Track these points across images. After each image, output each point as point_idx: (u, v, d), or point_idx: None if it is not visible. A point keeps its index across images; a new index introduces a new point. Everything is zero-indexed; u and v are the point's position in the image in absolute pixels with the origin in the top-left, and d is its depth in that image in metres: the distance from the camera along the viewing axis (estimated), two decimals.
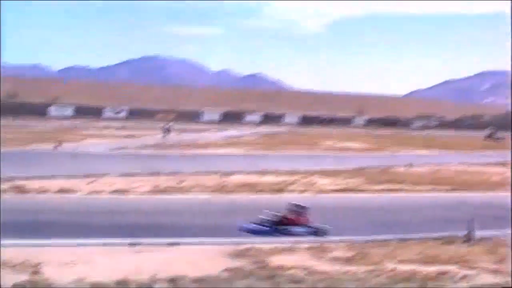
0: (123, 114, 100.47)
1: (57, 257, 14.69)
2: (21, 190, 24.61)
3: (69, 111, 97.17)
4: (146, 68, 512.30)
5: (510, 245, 17.47)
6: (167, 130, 59.28)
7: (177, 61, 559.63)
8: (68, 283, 12.59)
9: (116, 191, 25.40)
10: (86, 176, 28.84)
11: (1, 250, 14.95)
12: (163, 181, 28.38)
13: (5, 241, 15.91)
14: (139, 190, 25.97)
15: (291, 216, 19.27)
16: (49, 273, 13.22)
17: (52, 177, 28.22)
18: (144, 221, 19.84)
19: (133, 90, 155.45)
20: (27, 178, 27.10)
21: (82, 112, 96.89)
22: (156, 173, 30.63)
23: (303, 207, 19.50)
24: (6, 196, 23.56)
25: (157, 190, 26.14)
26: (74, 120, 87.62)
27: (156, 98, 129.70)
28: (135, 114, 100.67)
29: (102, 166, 32.82)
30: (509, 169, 36.36)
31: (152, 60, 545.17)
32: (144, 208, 22.60)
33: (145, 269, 13.83)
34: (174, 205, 23.32)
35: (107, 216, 20.44)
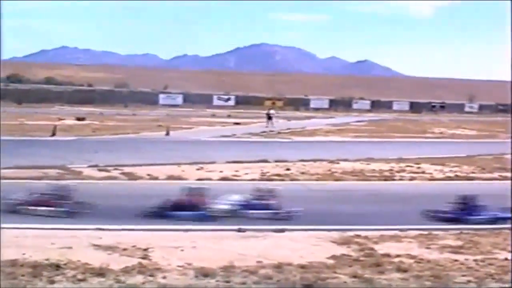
0: (231, 102, 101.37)
1: (165, 242, 14.90)
2: (131, 176, 25.12)
3: (178, 99, 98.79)
4: (254, 55, 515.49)
5: None
6: (271, 117, 59.42)
7: (284, 49, 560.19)
8: (175, 267, 12.75)
9: (224, 178, 25.58)
10: (195, 163, 29.22)
11: (110, 234, 15.36)
12: (271, 168, 28.41)
13: (116, 226, 16.33)
14: (247, 177, 26.06)
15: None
16: (156, 257, 13.42)
17: (162, 164, 28.75)
18: None
19: (241, 78, 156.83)
20: (137, 165, 27.73)
21: (191, 100, 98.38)
22: (264, 160, 30.66)
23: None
24: (117, 182, 24.17)
25: (264, 178, 26.15)
26: (183, 108, 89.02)
27: (264, 86, 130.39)
28: (242, 101, 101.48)
29: (210, 153, 33.18)
30: None
31: (259, 48, 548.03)
32: None
33: (251, 255, 13.87)
34: (281, 192, 23.24)
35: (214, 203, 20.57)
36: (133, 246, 14.24)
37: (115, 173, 25.89)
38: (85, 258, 13.05)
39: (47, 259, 12.75)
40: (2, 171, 25.10)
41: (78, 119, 58.42)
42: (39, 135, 42.02)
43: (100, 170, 26.49)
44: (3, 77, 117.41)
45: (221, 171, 27.00)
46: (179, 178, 25.38)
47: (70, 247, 13.91)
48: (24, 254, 13.12)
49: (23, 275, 11.87)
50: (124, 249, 14.04)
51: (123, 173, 25.73)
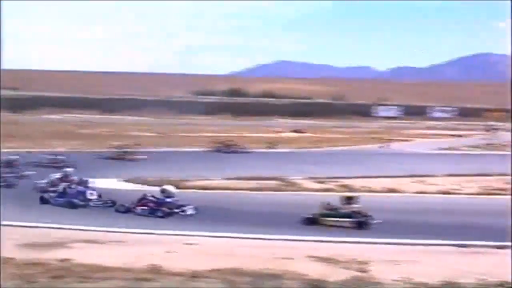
0: (450, 114, 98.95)
1: (383, 255, 14.67)
2: (347, 189, 25.11)
3: (395, 111, 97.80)
4: (476, 66, 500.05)
5: None
6: (494, 130, 57.24)
7: (509, 58, 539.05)
8: (393, 281, 12.48)
9: (443, 192, 24.90)
10: (412, 175, 28.72)
11: (328, 246, 15.36)
12: (493, 182, 27.22)
13: (333, 238, 16.35)
14: (466, 191, 25.18)
15: None
16: (374, 271, 13.20)
17: (378, 176, 28.54)
18: (471, 222, 19.08)
19: (461, 89, 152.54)
20: (353, 177, 27.73)
21: (408, 112, 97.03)
22: (485, 174, 29.47)
23: None
24: (333, 194, 24.25)
25: (485, 192, 25.11)
26: (400, 120, 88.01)
27: (486, 97, 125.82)
28: (462, 113, 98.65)
29: (427, 166, 32.50)
30: None
31: (482, 58, 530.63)
32: (471, 209, 21.74)
33: (472, 272, 13.29)
34: (505, 207, 22.16)
35: (433, 216, 20.07)
36: (350, 259, 14.12)
37: (331, 185, 26.02)
38: (303, 269, 13.10)
39: (266, 269, 12.93)
40: (226, 181, 26.08)
41: (296, 131, 59.45)
42: (258, 147, 43.13)
43: (316, 181, 26.73)
44: (224, 90, 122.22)
45: (439, 185, 26.30)
46: (396, 191, 25.04)
47: (289, 258, 14.03)
48: (245, 263, 13.39)
49: (243, 284, 12.10)
50: (341, 261, 13.95)
51: (340, 185, 25.79)
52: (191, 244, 15.28)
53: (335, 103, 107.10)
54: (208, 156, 37.87)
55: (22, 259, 13.17)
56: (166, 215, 19.57)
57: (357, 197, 19.30)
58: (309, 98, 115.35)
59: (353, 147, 46.54)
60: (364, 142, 50.58)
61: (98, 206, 21.04)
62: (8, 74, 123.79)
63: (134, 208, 20.18)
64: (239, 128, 63.86)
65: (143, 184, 25.45)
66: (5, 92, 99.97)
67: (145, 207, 20.03)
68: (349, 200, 18.97)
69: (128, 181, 26.34)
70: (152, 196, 20.29)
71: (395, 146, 47.61)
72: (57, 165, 29.86)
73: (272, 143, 44.31)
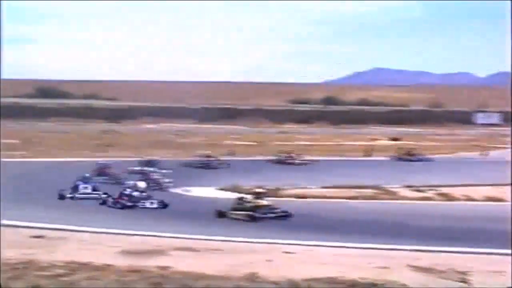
0: None
1: (485, 266, 14.27)
2: (446, 198, 24.72)
3: (494, 118, 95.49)
4: None
5: None
6: None
7: None
8: None
9: None
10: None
11: (428, 255, 15.06)
12: None
13: (433, 247, 16.03)
14: None
15: None
16: (476, 282, 12.84)
17: (478, 184, 27.94)
18: None
19: None
20: (453, 186, 27.27)
21: (510, 118, 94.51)
22: None
23: None
24: (432, 203, 23.91)
25: None
26: (501, 127, 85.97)
27: None
28: None
29: None
30: None
31: None
32: None
33: None
34: None
35: None
36: (451, 268, 13.79)
37: (430, 193, 25.61)
38: (402, 279, 12.86)
39: (364, 278, 12.76)
40: (322, 190, 26.01)
41: (393, 139, 58.75)
42: (354, 155, 42.84)
43: (414, 190, 26.37)
44: (319, 99, 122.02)
45: None
46: (496, 199, 24.41)
47: (387, 267, 13.82)
48: (341, 272, 13.25)
49: None
50: (442, 271, 13.64)
51: (439, 194, 25.37)
52: (288, 252, 15.24)
53: (432, 111, 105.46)
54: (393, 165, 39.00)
55: (121, 266, 13.38)
56: (125, 207, 21.78)
57: (265, 193, 21.17)
58: (405, 106, 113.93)
59: (452, 155, 45.70)
60: (463, 149, 49.61)
61: (88, 199, 23.47)
62: (106, 85, 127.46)
63: (108, 200, 22.62)
64: (335, 136, 63.59)
65: (236, 192, 25.68)
66: (104, 103, 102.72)
67: (113, 199, 22.41)
68: (258, 195, 20.60)
69: (223, 189, 26.60)
70: (127, 190, 22.57)
71: (495, 154, 46.50)
72: (209, 166, 34.43)
73: (368, 151, 43.89)
